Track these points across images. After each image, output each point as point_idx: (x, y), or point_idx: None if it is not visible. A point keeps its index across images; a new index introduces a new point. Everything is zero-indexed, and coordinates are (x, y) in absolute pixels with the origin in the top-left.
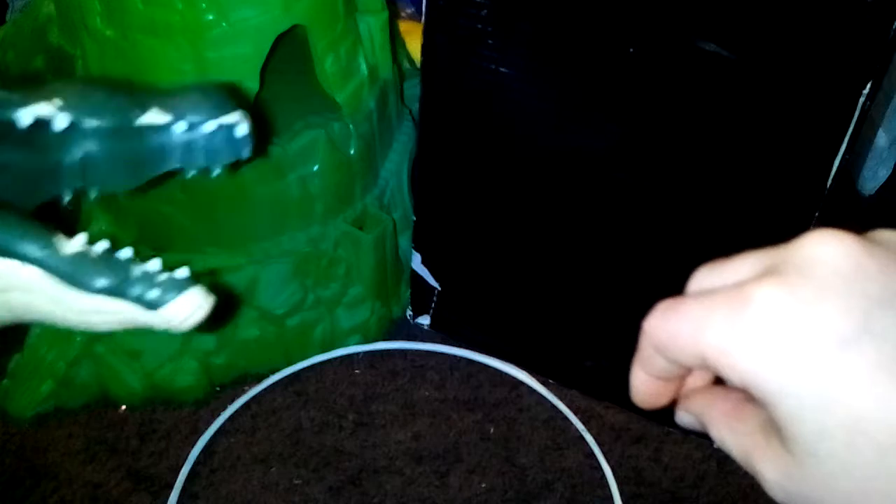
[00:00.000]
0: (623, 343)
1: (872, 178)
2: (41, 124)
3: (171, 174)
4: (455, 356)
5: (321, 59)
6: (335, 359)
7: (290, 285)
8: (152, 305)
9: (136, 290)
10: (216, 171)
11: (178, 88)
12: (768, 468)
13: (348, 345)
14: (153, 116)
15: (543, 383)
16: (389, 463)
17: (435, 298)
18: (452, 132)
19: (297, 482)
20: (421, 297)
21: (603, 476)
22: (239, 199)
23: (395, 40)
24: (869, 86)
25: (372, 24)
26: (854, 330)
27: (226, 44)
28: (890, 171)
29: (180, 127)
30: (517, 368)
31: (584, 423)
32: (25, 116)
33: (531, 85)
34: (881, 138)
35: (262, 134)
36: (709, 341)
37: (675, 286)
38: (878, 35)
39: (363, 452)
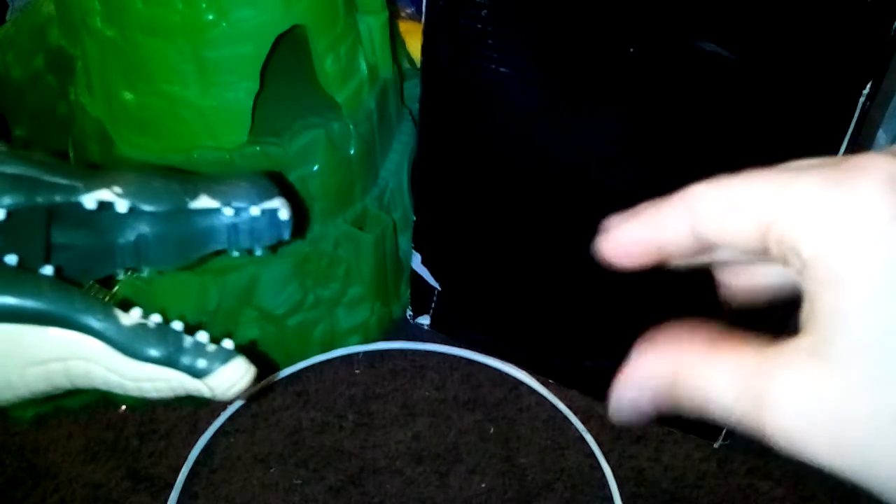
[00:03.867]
0: (623, 343)
1: None
2: (103, 207)
3: (217, 253)
4: (455, 356)
5: (321, 59)
6: (335, 359)
7: (290, 285)
8: (201, 374)
9: (186, 360)
10: (258, 252)
11: (226, 176)
12: (782, 386)
13: (348, 345)
14: (203, 202)
15: (543, 383)
16: (389, 463)
17: (435, 298)
18: (452, 132)
19: (297, 482)
20: (421, 297)
21: (603, 476)
22: None
23: (395, 40)
24: (869, 86)
25: (372, 24)
26: None
27: (226, 44)
28: None
29: (228, 212)
30: (517, 368)
31: (584, 423)
32: (89, 202)
33: (531, 85)
34: (881, 138)
35: (301, 216)
36: (792, 204)
37: (675, 286)
38: (878, 35)
39: (363, 452)
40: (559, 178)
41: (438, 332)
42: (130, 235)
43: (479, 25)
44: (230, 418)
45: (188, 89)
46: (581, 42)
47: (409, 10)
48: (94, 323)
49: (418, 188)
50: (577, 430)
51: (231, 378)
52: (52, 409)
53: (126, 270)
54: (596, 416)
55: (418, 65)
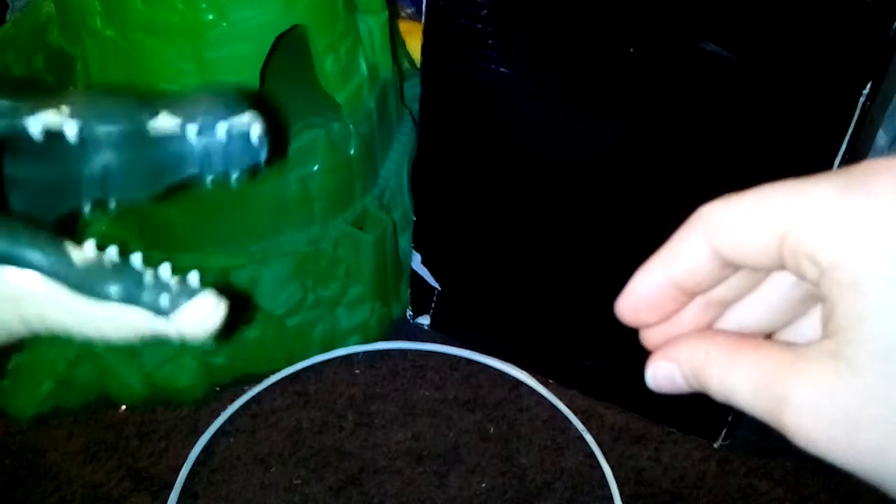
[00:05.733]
0: (623, 343)
1: None
2: (57, 137)
3: (190, 183)
4: (455, 356)
5: (321, 59)
6: (335, 359)
7: (290, 285)
8: (165, 312)
9: (148, 297)
10: (234, 177)
11: (187, 93)
12: (801, 388)
13: (348, 345)
14: (163, 120)
15: (543, 383)
16: (389, 463)
17: (435, 298)
18: (452, 132)
19: (297, 482)
20: (421, 297)
21: (603, 476)
22: (239, 199)
23: (395, 40)
24: (869, 86)
25: (372, 24)
26: None
27: (226, 44)
28: None
29: (193, 130)
30: (517, 368)
31: (584, 423)
32: (34, 125)
33: (531, 85)
34: (881, 138)
35: (278, 137)
36: (805, 214)
37: None
38: (878, 35)
39: (363, 452)
40: (559, 177)
41: (438, 332)
42: (95, 165)
43: (479, 25)
44: (230, 418)
45: (188, 89)
46: (581, 42)
47: (409, 10)
48: (42, 259)
49: (418, 188)
50: (577, 430)
51: (198, 315)
52: (52, 409)
53: (93, 204)
54: (596, 416)
55: (418, 65)
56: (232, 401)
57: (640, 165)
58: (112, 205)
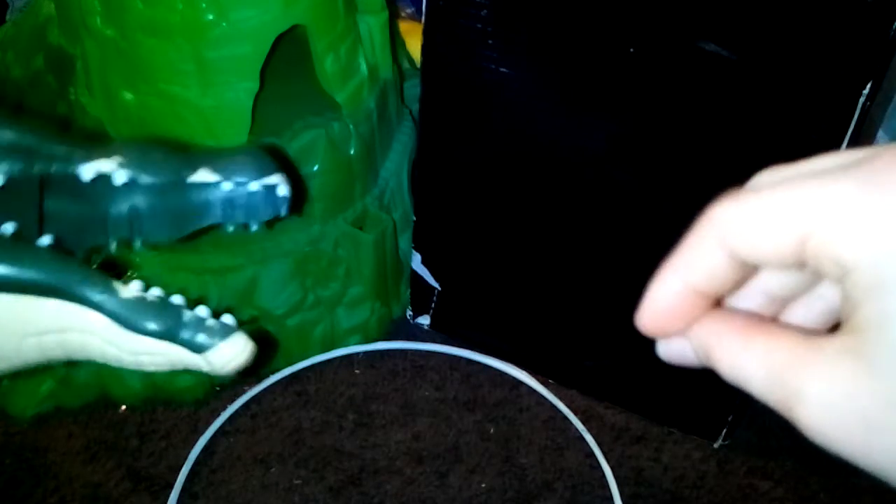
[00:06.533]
0: (623, 343)
1: None
2: (100, 177)
3: (211, 228)
4: (455, 356)
5: (321, 59)
6: (335, 359)
7: (290, 285)
8: (201, 349)
9: (186, 334)
10: (254, 227)
11: (226, 150)
12: (817, 382)
13: (348, 345)
14: (202, 175)
15: (543, 383)
16: (389, 463)
17: (435, 298)
18: (452, 132)
19: (297, 482)
20: (421, 297)
21: (603, 476)
22: None
23: (395, 40)
24: (869, 86)
25: (372, 24)
26: None
27: (226, 44)
28: None
29: (226, 186)
30: (517, 368)
31: (584, 423)
32: (87, 172)
33: (531, 85)
34: (881, 138)
35: (299, 193)
36: (825, 213)
37: None
38: (878, 35)
39: (363, 452)
40: (559, 177)
41: (438, 332)
42: (124, 206)
43: (479, 25)
44: (230, 418)
45: (188, 89)
46: (581, 42)
47: (409, 10)
48: (94, 295)
49: (418, 188)
50: (577, 430)
51: (230, 354)
52: (52, 409)
53: (119, 242)
54: (596, 416)
55: (418, 65)
56: (232, 401)
57: (640, 165)
58: (137, 244)
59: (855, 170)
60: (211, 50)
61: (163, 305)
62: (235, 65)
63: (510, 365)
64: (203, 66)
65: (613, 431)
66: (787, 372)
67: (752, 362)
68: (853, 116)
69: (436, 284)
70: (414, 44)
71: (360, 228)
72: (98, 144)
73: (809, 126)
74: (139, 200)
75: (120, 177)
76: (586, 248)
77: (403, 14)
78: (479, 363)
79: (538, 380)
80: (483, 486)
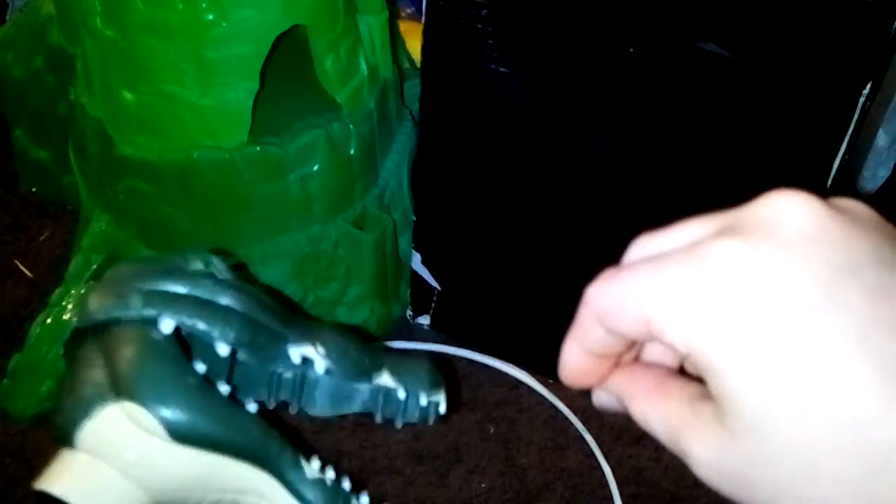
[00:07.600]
0: None
1: (872, 179)
2: (304, 361)
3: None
4: (455, 356)
5: (321, 59)
6: None
7: (291, 285)
8: None
9: None
10: (398, 424)
11: (405, 358)
12: (698, 445)
13: None
14: (385, 380)
15: (543, 383)
16: (389, 463)
17: (435, 298)
18: (452, 132)
19: None
20: (421, 297)
21: (603, 476)
22: (239, 199)
23: (395, 40)
24: (869, 86)
25: (372, 24)
26: (820, 296)
27: (226, 44)
28: (889, 171)
29: (401, 394)
30: (517, 368)
31: (584, 423)
32: (295, 355)
33: (531, 85)
34: (881, 138)
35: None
36: (658, 302)
37: None
38: (878, 35)
39: (363, 452)
40: (559, 177)
41: (438, 332)
42: (291, 371)
43: (479, 25)
44: None
45: (188, 89)
46: (581, 42)
47: (409, 10)
48: (286, 469)
49: (418, 188)
50: (577, 430)
51: None
52: (52, 409)
53: (276, 401)
54: (596, 416)
55: (418, 65)
56: None
57: (640, 165)
58: (293, 410)
59: (683, 254)
60: (211, 50)
61: (336, 491)
62: (235, 65)
63: (510, 365)
64: (203, 66)
65: (613, 431)
66: (678, 434)
67: (654, 421)
68: (853, 116)
69: (436, 284)
70: (414, 44)
71: (361, 228)
72: (302, 324)
73: (809, 126)
74: (319, 377)
75: (320, 366)
76: (586, 248)
77: (403, 14)
78: (479, 363)
79: (538, 380)
80: (483, 486)
